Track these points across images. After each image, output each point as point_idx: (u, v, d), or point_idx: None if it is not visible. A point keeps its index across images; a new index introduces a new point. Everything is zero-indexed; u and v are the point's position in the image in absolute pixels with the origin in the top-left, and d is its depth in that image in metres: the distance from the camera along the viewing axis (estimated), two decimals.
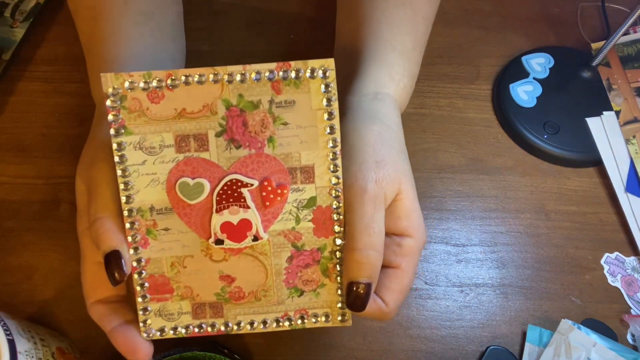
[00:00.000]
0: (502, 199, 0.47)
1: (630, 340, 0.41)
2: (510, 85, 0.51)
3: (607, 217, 0.46)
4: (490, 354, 0.39)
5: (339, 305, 0.30)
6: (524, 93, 0.50)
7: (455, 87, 0.52)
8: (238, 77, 0.27)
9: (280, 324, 0.30)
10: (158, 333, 0.30)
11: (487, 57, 0.54)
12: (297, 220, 0.29)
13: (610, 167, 0.47)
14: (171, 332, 0.30)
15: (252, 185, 0.28)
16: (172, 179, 0.28)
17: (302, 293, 0.30)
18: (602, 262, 0.44)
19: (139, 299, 0.30)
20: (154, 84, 0.28)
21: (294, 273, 0.30)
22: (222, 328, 0.30)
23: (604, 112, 0.49)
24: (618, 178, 0.46)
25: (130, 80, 0.28)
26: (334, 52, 0.43)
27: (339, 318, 0.30)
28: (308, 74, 0.27)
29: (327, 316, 0.30)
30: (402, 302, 0.31)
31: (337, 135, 0.28)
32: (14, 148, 0.46)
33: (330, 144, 0.28)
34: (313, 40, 0.49)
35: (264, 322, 0.30)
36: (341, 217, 0.29)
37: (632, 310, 0.42)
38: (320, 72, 0.27)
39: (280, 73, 0.27)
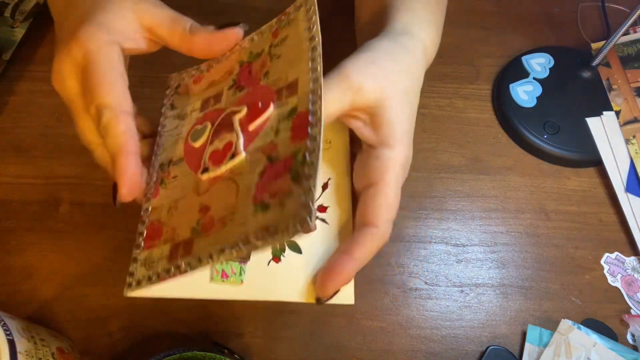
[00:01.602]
0: (502, 199, 0.47)
1: (630, 340, 0.41)
2: (510, 85, 0.51)
3: (607, 217, 0.46)
4: (490, 354, 0.39)
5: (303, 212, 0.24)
6: (524, 93, 0.50)
7: (455, 87, 0.52)
8: (248, 42, 0.31)
9: (237, 249, 0.25)
10: (135, 283, 0.28)
11: (487, 57, 0.54)
12: (277, 132, 0.27)
13: (610, 167, 0.47)
14: (146, 281, 0.27)
15: (240, 111, 0.28)
16: (188, 132, 0.31)
17: (267, 208, 0.25)
18: (602, 262, 0.44)
19: (134, 249, 0.29)
20: (197, 72, 0.34)
21: (264, 187, 0.25)
22: (184, 266, 0.26)
23: (604, 112, 0.49)
24: (618, 178, 0.46)
25: (186, 75, 0.34)
26: (356, 31, 0.44)
27: (298, 227, 0.24)
28: (295, 10, 0.30)
29: (286, 229, 0.24)
30: (392, 218, 0.30)
31: (318, 45, 0.27)
32: (14, 148, 0.46)
33: (310, 54, 0.27)
34: None
35: (221, 251, 0.25)
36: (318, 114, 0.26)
37: (632, 310, 0.42)
38: (303, 2, 0.30)
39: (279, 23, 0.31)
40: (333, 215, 0.34)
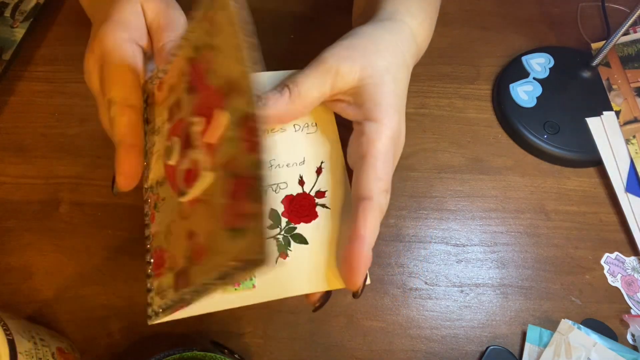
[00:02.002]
0: (502, 199, 0.47)
1: (630, 340, 0.41)
2: (510, 85, 0.51)
3: (607, 217, 0.46)
4: (490, 354, 0.39)
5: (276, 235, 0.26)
6: (524, 93, 0.50)
7: (455, 87, 0.52)
8: (189, 34, 0.28)
9: (222, 281, 0.22)
10: (154, 313, 0.28)
11: (487, 57, 0.54)
12: (234, 142, 0.24)
13: (610, 167, 0.47)
14: (163, 312, 0.27)
15: (196, 122, 0.26)
16: (164, 149, 0.29)
17: (238, 233, 0.22)
18: (602, 262, 0.44)
19: (146, 278, 0.29)
20: (158, 78, 0.30)
21: (232, 209, 0.23)
22: (189, 297, 0.25)
23: (604, 112, 0.49)
24: (618, 178, 0.46)
25: (150, 83, 0.31)
26: (352, 23, 0.44)
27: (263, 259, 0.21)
28: None
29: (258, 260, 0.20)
30: (385, 189, 0.30)
31: (249, 33, 0.24)
32: (14, 148, 0.46)
33: (244, 42, 0.24)
34: (313, 40, 0.49)
35: (214, 283, 0.23)
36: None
37: (632, 310, 0.42)
38: None
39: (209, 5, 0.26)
40: (333, 198, 0.33)
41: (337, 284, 0.31)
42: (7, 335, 0.30)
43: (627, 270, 0.44)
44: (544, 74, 0.51)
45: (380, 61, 0.32)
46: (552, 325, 0.40)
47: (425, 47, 0.40)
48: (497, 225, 0.45)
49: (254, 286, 0.31)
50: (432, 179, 0.47)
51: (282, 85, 0.31)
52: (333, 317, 0.41)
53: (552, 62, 0.52)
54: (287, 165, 0.33)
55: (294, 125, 0.34)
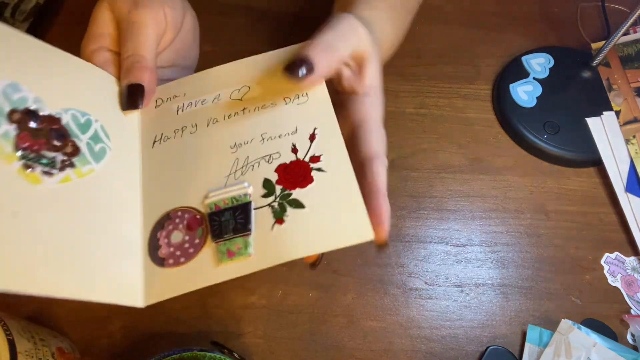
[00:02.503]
0: (502, 199, 0.47)
1: (630, 340, 0.41)
2: (510, 85, 0.51)
3: (607, 217, 0.46)
4: (490, 354, 0.39)
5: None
6: (524, 93, 0.50)
7: (455, 87, 0.52)
8: None
9: None
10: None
11: (487, 57, 0.54)
12: None
13: (610, 167, 0.47)
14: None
15: None
16: None
17: None
18: (602, 262, 0.44)
19: None
20: None
21: None
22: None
23: (604, 112, 0.49)
24: (618, 178, 0.46)
25: None
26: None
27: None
28: None
29: None
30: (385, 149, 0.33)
31: None
32: None
33: None
34: None
35: None
36: None
37: (632, 310, 0.42)
38: None
39: None
40: (329, 161, 0.33)
41: (337, 243, 0.30)
42: (7, 335, 0.30)
43: (627, 270, 0.44)
44: (544, 74, 0.51)
45: (374, 43, 0.35)
46: (552, 325, 0.40)
47: (387, 57, 0.42)
48: (497, 225, 0.45)
49: (250, 255, 0.31)
50: (432, 179, 0.47)
51: (323, 43, 0.33)
52: (333, 317, 0.41)
53: (552, 62, 0.52)
54: (278, 137, 0.34)
55: (284, 98, 0.35)
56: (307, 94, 0.35)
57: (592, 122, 0.49)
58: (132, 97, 0.34)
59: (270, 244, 0.31)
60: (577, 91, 0.51)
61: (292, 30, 0.54)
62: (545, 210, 0.46)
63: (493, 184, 0.47)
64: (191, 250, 0.31)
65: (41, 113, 0.31)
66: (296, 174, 0.32)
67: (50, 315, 0.40)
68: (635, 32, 0.53)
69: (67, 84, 0.34)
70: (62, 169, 0.31)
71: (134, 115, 0.36)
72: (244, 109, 0.35)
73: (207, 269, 0.31)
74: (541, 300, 0.42)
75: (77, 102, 0.33)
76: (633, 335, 0.41)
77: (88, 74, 0.35)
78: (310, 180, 0.32)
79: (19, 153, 0.29)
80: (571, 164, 0.48)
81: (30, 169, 0.29)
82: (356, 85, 0.35)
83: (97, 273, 0.30)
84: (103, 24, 0.35)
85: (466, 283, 0.43)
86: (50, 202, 0.30)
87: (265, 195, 0.32)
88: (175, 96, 0.37)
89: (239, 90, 0.36)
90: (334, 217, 0.31)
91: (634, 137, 0.48)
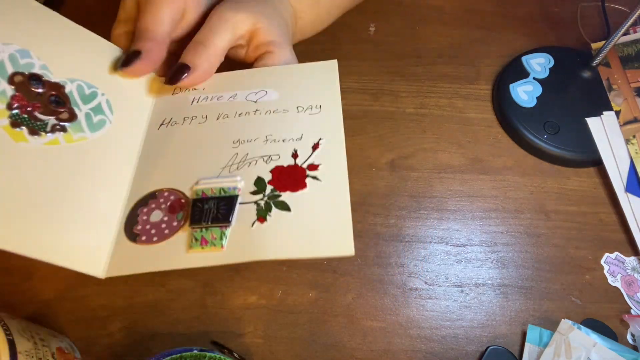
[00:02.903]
0: (502, 199, 0.47)
1: (630, 340, 0.41)
2: (510, 85, 0.51)
3: (607, 217, 0.46)
4: (490, 354, 0.39)
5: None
6: (524, 93, 0.50)
7: (455, 87, 0.52)
8: None
9: None
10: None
11: (487, 57, 0.54)
12: None
13: (610, 167, 0.47)
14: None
15: None
16: None
17: None
18: (602, 262, 0.44)
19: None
20: None
21: None
22: None
23: (604, 112, 0.49)
24: (618, 178, 0.46)
25: None
26: None
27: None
28: None
29: None
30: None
31: None
32: None
33: None
34: (313, 40, 0.49)
35: None
36: None
37: (632, 310, 0.42)
38: None
39: None
40: (326, 171, 0.33)
41: (314, 252, 0.29)
42: (7, 335, 0.30)
43: (627, 270, 0.44)
44: (544, 74, 0.51)
45: (265, 10, 0.39)
46: (552, 325, 0.40)
47: (305, 31, 0.47)
48: (497, 225, 0.45)
49: (222, 247, 0.30)
50: (432, 179, 0.47)
51: (194, 44, 0.36)
52: (333, 317, 0.41)
53: (552, 62, 0.52)
54: (282, 140, 0.34)
55: (297, 107, 0.35)
56: (320, 106, 0.35)
57: (592, 122, 0.49)
58: (127, 58, 0.35)
59: (246, 241, 0.30)
60: (577, 91, 0.51)
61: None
62: (545, 210, 0.46)
63: (493, 184, 0.47)
64: (167, 231, 0.31)
65: (45, 79, 0.32)
66: (290, 177, 0.32)
67: (50, 315, 0.40)
68: (635, 32, 0.53)
69: (77, 56, 0.34)
70: (52, 131, 0.31)
71: (149, 98, 0.37)
72: (256, 110, 0.36)
73: (176, 252, 0.30)
74: (541, 300, 0.42)
75: (86, 74, 0.34)
76: (633, 335, 0.41)
77: (103, 49, 0.36)
78: (303, 185, 0.32)
79: (11, 111, 0.30)
80: (571, 164, 0.48)
81: (18, 127, 0.30)
82: (252, 55, 0.39)
83: (65, 237, 0.30)
84: (129, 9, 0.38)
85: (466, 283, 0.43)
86: (31, 161, 0.30)
87: (254, 192, 0.32)
88: (194, 89, 0.38)
89: (256, 93, 0.36)
90: (318, 226, 0.30)
91: (634, 137, 0.48)
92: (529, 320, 0.41)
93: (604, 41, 0.48)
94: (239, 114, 0.35)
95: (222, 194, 0.32)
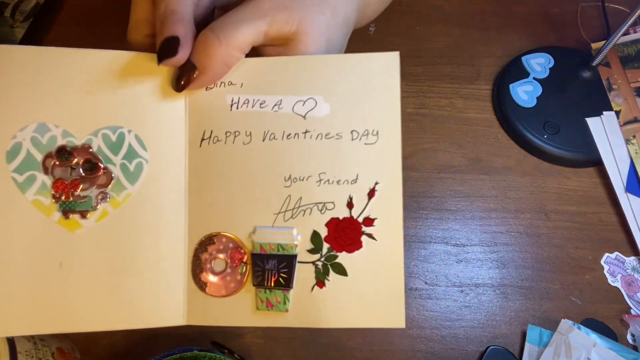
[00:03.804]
0: (502, 199, 0.47)
1: (630, 340, 0.41)
2: (510, 85, 0.51)
3: (607, 217, 0.46)
4: (490, 354, 0.39)
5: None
6: (524, 93, 0.50)
7: (455, 87, 0.52)
8: None
9: None
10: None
11: (487, 57, 0.54)
12: None
13: (610, 167, 0.47)
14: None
15: None
16: None
17: None
18: (602, 262, 0.44)
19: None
20: None
21: None
22: None
23: (604, 112, 0.49)
24: (618, 178, 0.46)
25: None
26: None
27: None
28: None
29: None
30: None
31: None
32: None
33: None
34: None
35: None
36: None
37: (632, 310, 0.42)
38: None
39: None
40: (381, 229, 0.31)
41: (368, 323, 0.30)
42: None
43: (627, 270, 0.44)
44: (544, 74, 0.51)
45: (319, 17, 0.31)
46: (552, 325, 0.40)
47: (369, 15, 0.38)
48: (497, 225, 0.45)
49: (287, 310, 0.31)
50: (432, 179, 0.47)
51: (207, 37, 0.29)
52: None
53: (552, 62, 0.52)
54: (337, 182, 0.31)
55: (351, 131, 0.31)
56: (377, 132, 0.31)
57: (592, 122, 0.49)
58: (166, 48, 0.29)
59: (307, 306, 0.30)
60: (577, 91, 0.51)
61: None
62: (545, 210, 0.46)
63: (493, 184, 0.47)
64: (232, 285, 0.31)
65: (71, 147, 0.30)
66: (346, 235, 0.31)
67: None
68: (635, 32, 0.53)
69: (91, 100, 0.31)
70: (97, 204, 0.30)
71: (180, 102, 0.32)
72: (306, 132, 0.32)
73: (245, 310, 0.31)
74: (541, 300, 0.42)
75: (105, 117, 0.31)
76: (633, 335, 0.41)
77: (106, 66, 0.31)
78: (358, 245, 0.31)
79: (58, 203, 0.30)
80: (571, 164, 0.48)
81: (69, 216, 0.30)
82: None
83: (144, 302, 0.30)
84: (142, 8, 0.32)
85: (466, 283, 0.43)
86: (91, 244, 0.30)
87: (311, 251, 0.31)
88: (231, 83, 0.32)
89: (304, 103, 0.32)
90: (371, 294, 0.30)
91: (634, 137, 0.48)
92: (529, 320, 0.41)
93: (604, 41, 0.48)
94: (288, 136, 0.32)
95: (281, 251, 0.31)
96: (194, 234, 0.32)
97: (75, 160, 0.30)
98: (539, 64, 0.52)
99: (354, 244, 0.31)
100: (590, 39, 0.55)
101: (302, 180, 0.31)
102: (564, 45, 0.54)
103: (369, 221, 0.31)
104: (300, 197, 0.31)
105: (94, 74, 0.31)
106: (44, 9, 0.52)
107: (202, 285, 0.31)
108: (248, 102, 0.32)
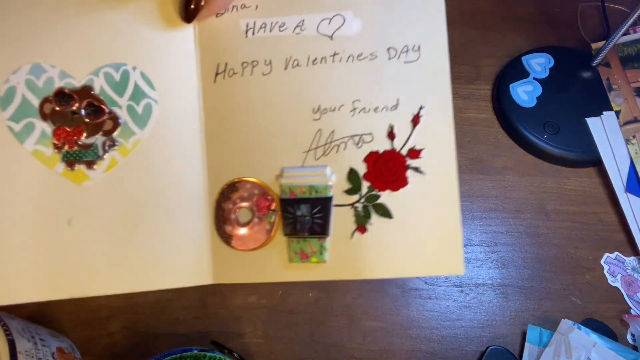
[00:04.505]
0: (502, 199, 0.47)
1: (630, 340, 0.41)
2: (510, 85, 0.51)
3: (607, 217, 0.46)
4: (490, 354, 0.39)
5: None
6: (524, 93, 0.50)
7: (455, 87, 0.52)
8: None
9: None
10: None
11: (487, 57, 0.54)
12: None
13: (610, 167, 0.47)
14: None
15: None
16: None
17: None
18: (602, 262, 0.44)
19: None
20: None
21: None
22: None
23: (604, 112, 0.49)
24: (618, 178, 0.46)
25: None
26: None
27: None
28: None
29: None
30: None
31: None
32: None
33: None
34: None
35: None
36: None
37: (632, 310, 0.42)
38: None
39: None
40: (430, 160, 0.26)
41: (421, 271, 0.27)
42: (7, 335, 0.30)
43: (627, 270, 0.44)
44: (544, 74, 0.51)
45: None
46: (552, 325, 0.40)
47: None
48: (497, 225, 0.45)
49: (324, 261, 0.27)
50: None
51: None
52: (333, 317, 0.41)
53: (552, 62, 0.52)
54: (374, 110, 0.27)
55: (387, 49, 0.27)
56: (419, 47, 0.27)
57: (592, 122, 0.49)
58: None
59: (348, 255, 0.27)
60: (577, 91, 0.51)
61: None
62: (545, 210, 0.46)
63: (493, 184, 0.47)
64: (260, 235, 0.28)
65: (69, 88, 0.27)
66: (389, 170, 0.27)
67: (50, 315, 0.40)
68: (635, 32, 0.53)
69: (89, 37, 0.27)
70: (105, 153, 0.27)
71: (189, 31, 0.28)
72: (335, 54, 0.27)
73: (277, 263, 0.27)
74: (541, 300, 0.42)
75: (106, 54, 0.27)
76: (633, 335, 0.41)
77: (110, 9, 0.28)
78: (404, 182, 0.27)
79: (60, 152, 0.27)
80: (571, 164, 0.48)
81: (73, 167, 0.27)
82: None
83: (163, 259, 0.27)
84: None
85: (466, 283, 0.43)
86: (101, 197, 0.27)
87: (348, 191, 0.27)
88: (245, 6, 0.28)
89: (330, 20, 0.27)
90: (422, 237, 0.26)
91: (634, 137, 0.48)
92: (529, 320, 0.41)
93: (604, 41, 0.48)
94: (313, 61, 0.27)
95: (314, 194, 0.27)
96: (214, 182, 0.28)
97: (77, 104, 0.27)
98: (539, 64, 0.52)
99: (398, 181, 0.27)
100: (590, 39, 0.55)
101: (333, 110, 0.27)
102: (564, 45, 0.54)
103: (414, 153, 0.27)
104: (333, 131, 0.27)
105: (88, 3, 0.27)
106: None
107: (227, 239, 0.28)
108: (265, 26, 0.28)
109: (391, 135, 0.27)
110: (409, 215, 0.27)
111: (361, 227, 0.27)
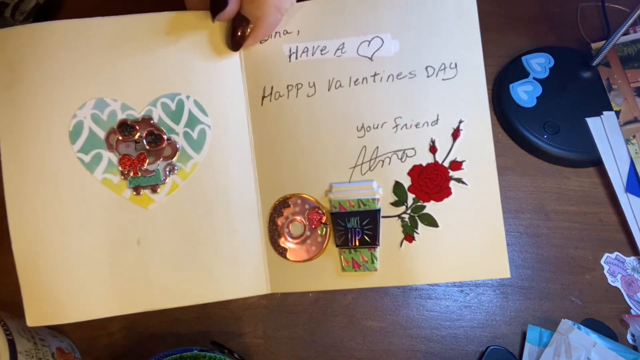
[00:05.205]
0: (502, 199, 0.46)
1: (630, 340, 0.41)
2: (510, 85, 0.51)
3: (607, 217, 0.46)
4: (490, 354, 0.39)
5: None
6: (524, 93, 0.50)
7: None
8: None
9: None
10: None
11: (487, 57, 0.54)
12: None
13: (610, 167, 0.47)
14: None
15: None
16: None
17: None
18: (602, 262, 0.44)
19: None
20: None
21: None
22: None
23: (604, 112, 0.49)
24: (618, 178, 0.46)
25: None
26: None
27: None
28: None
29: None
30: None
31: None
32: None
33: None
34: None
35: None
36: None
37: (632, 310, 0.42)
38: None
39: None
40: (471, 171, 0.28)
41: (468, 275, 0.28)
42: (7, 335, 0.30)
43: (627, 270, 0.44)
44: (544, 74, 0.51)
45: None
46: (552, 325, 0.40)
47: None
48: None
49: (376, 269, 0.29)
50: None
51: None
52: (333, 317, 0.41)
53: (552, 62, 0.52)
54: (415, 126, 0.29)
55: (426, 67, 0.28)
56: (455, 64, 0.28)
57: (592, 122, 0.49)
58: (216, 2, 0.28)
59: (398, 263, 0.29)
60: (577, 91, 0.51)
61: None
62: (545, 210, 0.46)
63: None
64: (313, 248, 0.30)
65: (131, 119, 0.30)
66: (432, 182, 0.29)
67: None
68: (635, 32, 0.53)
69: (146, 71, 0.30)
70: (165, 178, 0.30)
71: (235, 60, 0.30)
72: (375, 74, 0.29)
73: (330, 273, 0.30)
74: (541, 300, 0.42)
75: (162, 85, 0.30)
76: (633, 335, 0.41)
77: (158, 34, 0.29)
78: (447, 192, 0.29)
79: (127, 179, 0.29)
80: (571, 164, 0.48)
81: (140, 192, 0.29)
82: None
83: (224, 272, 0.29)
84: None
85: (466, 283, 0.43)
86: (166, 218, 0.30)
87: (395, 204, 0.29)
88: (287, 32, 0.30)
89: (370, 43, 0.29)
90: (468, 244, 0.28)
91: (634, 137, 0.48)
92: (529, 320, 0.41)
93: (604, 41, 0.48)
94: (355, 81, 0.29)
95: (362, 207, 0.29)
96: (266, 198, 0.30)
97: (138, 133, 0.29)
98: (539, 64, 0.52)
99: (442, 192, 0.28)
100: (590, 39, 0.55)
101: (377, 128, 0.29)
102: (564, 45, 0.54)
103: (456, 164, 0.29)
104: (377, 147, 0.29)
105: (143, 40, 0.29)
106: (44, 9, 0.52)
107: (281, 251, 0.30)
108: (307, 51, 0.29)
109: (433, 149, 0.29)
110: (454, 223, 0.28)
111: (409, 236, 0.29)
